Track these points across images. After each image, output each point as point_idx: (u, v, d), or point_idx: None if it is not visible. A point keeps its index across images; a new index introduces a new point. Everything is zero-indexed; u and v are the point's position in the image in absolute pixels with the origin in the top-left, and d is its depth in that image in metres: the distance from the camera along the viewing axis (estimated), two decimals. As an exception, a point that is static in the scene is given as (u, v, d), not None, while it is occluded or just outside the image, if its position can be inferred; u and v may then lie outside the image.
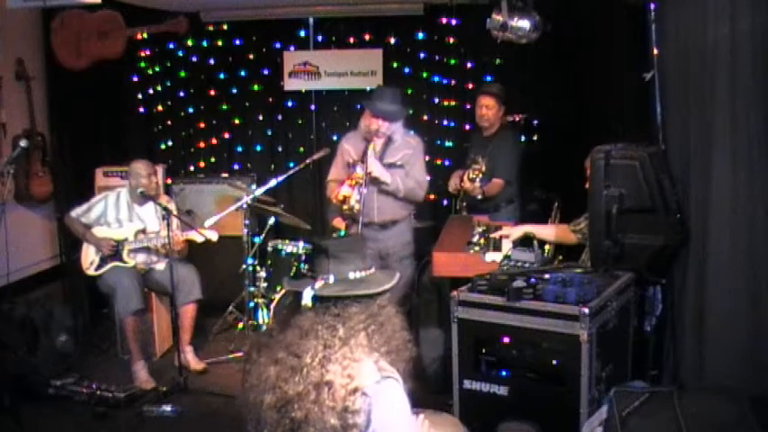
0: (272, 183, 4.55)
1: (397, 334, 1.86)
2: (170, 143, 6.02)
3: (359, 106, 5.58)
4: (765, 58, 2.61)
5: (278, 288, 4.70)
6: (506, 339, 2.90)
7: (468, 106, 5.16)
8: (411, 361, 1.89)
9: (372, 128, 3.97)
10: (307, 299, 1.80)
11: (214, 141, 6.03)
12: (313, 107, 5.91)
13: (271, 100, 5.93)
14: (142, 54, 5.79)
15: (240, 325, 5.08)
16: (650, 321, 3.39)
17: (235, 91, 5.92)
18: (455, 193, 4.88)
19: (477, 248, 3.66)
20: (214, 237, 4.47)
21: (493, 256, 3.50)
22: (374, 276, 1.90)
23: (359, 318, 1.79)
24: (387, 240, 4.11)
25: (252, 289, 4.94)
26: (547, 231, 3.82)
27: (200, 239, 4.45)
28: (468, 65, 5.59)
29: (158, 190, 4.69)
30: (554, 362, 2.80)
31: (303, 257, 4.69)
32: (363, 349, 1.76)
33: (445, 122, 5.74)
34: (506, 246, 3.66)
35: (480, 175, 4.16)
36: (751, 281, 2.73)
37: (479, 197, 4.47)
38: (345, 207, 3.97)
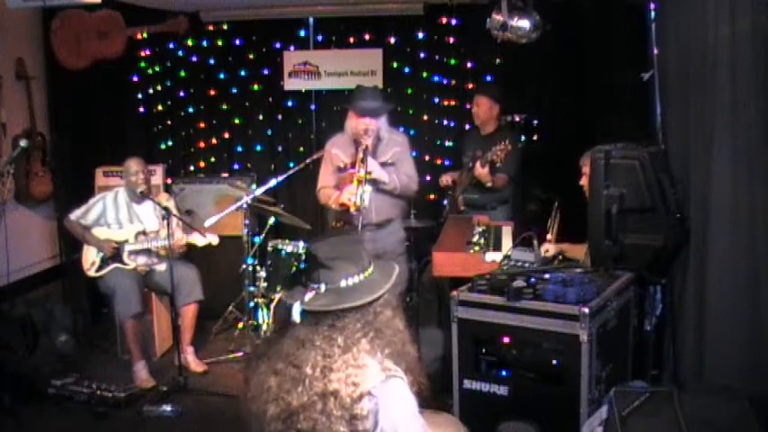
0: (272, 183, 4.55)
1: (397, 337, 1.83)
2: (170, 143, 6.02)
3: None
4: (765, 58, 2.61)
5: (278, 288, 4.70)
6: (506, 339, 2.90)
7: (468, 106, 5.16)
8: (416, 360, 1.87)
9: (360, 128, 3.96)
10: (296, 314, 1.76)
11: (214, 141, 6.02)
12: (313, 107, 5.90)
13: (271, 100, 5.93)
14: (142, 54, 5.78)
15: (240, 325, 5.08)
16: (650, 321, 3.39)
17: (235, 91, 5.91)
18: (445, 187, 4.90)
19: (477, 248, 3.66)
20: (215, 241, 4.48)
21: (493, 256, 3.50)
22: (369, 280, 1.83)
23: (355, 327, 1.76)
24: (383, 239, 4.11)
25: (252, 289, 4.94)
26: (578, 250, 3.76)
27: (201, 243, 4.45)
28: (468, 65, 5.59)
29: (150, 186, 4.66)
30: (554, 362, 2.80)
31: (303, 257, 4.69)
32: (367, 353, 1.74)
33: (445, 122, 5.74)
34: (506, 246, 3.66)
35: (501, 161, 4.27)
36: (751, 281, 2.73)
37: (489, 184, 4.50)
38: (353, 209, 3.88)
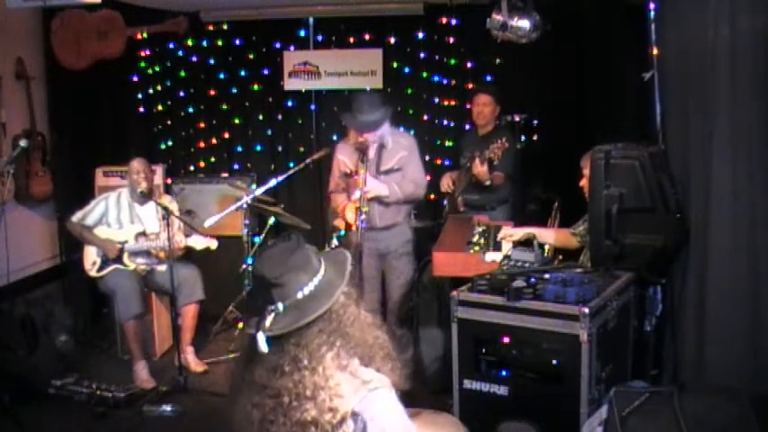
0: (272, 183, 4.55)
1: (366, 332, 1.74)
2: (170, 143, 6.01)
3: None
4: (765, 58, 2.62)
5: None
6: (506, 339, 2.90)
7: (468, 106, 5.17)
8: (389, 345, 1.79)
9: (360, 141, 3.98)
10: (262, 344, 1.63)
11: (214, 141, 6.01)
12: (313, 107, 5.90)
13: (271, 100, 5.92)
14: (142, 54, 5.78)
15: (240, 325, 5.07)
16: (650, 321, 3.39)
17: (235, 91, 5.91)
18: (448, 190, 4.90)
19: (477, 248, 3.66)
20: (213, 245, 4.47)
21: (493, 256, 3.50)
22: (324, 282, 1.70)
23: (318, 341, 1.65)
24: (387, 239, 4.12)
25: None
26: (549, 235, 3.81)
27: (199, 247, 4.45)
28: (469, 65, 5.58)
29: (152, 188, 4.66)
30: (554, 362, 2.80)
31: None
32: (336, 371, 1.65)
33: (445, 122, 5.73)
34: (506, 246, 3.65)
35: (498, 158, 4.24)
36: (751, 281, 2.73)
37: (487, 183, 4.48)
38: (353, 228, 3.90)
